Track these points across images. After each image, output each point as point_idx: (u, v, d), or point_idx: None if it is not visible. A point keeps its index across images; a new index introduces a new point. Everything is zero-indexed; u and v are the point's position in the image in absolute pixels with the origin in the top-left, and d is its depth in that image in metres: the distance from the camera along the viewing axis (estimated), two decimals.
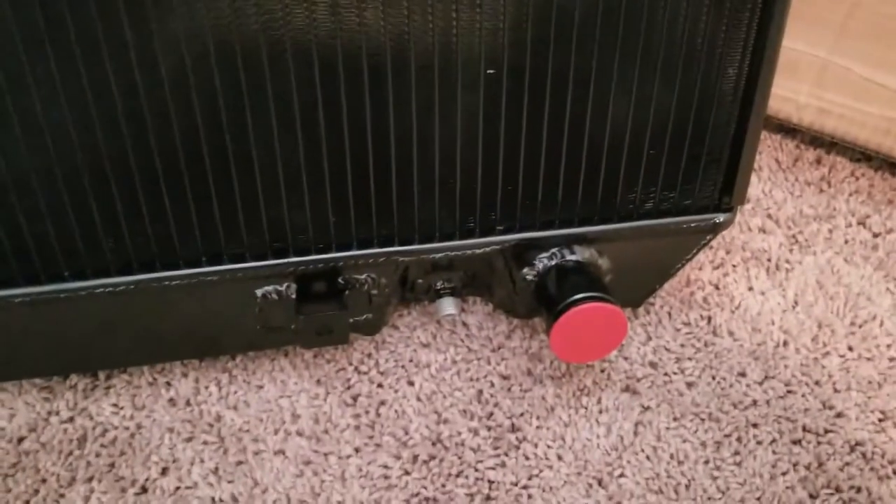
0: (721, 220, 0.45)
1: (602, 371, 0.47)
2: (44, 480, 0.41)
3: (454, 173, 0.40)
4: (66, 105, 0.35)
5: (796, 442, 0.44)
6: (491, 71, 0.38)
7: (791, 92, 0.56)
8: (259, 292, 0.42)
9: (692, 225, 0.45)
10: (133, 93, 0.35)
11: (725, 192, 0.44)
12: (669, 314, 0.50)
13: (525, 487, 0.42)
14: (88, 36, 0.33)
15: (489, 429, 0.44)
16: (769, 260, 0.53)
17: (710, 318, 0.49)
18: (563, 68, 0.38)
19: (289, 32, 0.35)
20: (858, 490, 0.42)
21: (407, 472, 0.42)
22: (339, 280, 0.43)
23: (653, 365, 0.47)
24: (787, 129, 0.60)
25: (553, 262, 0.43)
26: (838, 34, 0.53)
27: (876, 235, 0.54)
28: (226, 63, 0.35)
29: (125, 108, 0.35)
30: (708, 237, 0.46)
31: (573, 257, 0.44)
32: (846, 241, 0.54)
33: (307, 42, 0.35)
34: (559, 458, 0.43)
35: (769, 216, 0.55)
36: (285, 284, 0.42)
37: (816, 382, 0.46)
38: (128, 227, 0.39)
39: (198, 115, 0.36)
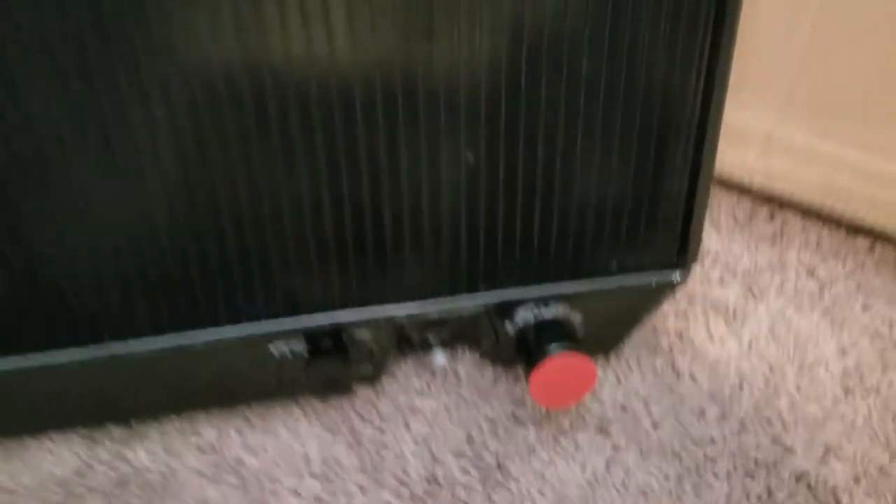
0: (678, 276, 0.50)
1: (578, 414, 0.53)
2: None
3: (441, 244, 0.46)
4: (100, 184, 0.40)
5: (749, 474, 0.49)
6: (470, 155, 0.45)
7: (741, 158, 0.62)
8: (273, 349, 0.48)
9: (653, 281, 0.50)
10: (161, 170, 0.40)
11: (681, 252, 0.50)
12: (638, 361, 0.56)
13: None
14: (119, 119, 0.39)
15: (478, 468, 0.50)
16: (727, 309, 0.59)
17: (673, 364, 0.55)
18: (532, 152, 0.45)
19: (290, 101, 0.40)
20: None
21: None
22: (344, 337, 0.49)
23: (623, 408, 0.53)
24: (743, 189, 0.67)
25: (530, 317, 0.49)
26: (783, 105, 0.60)
27: (823, 286, 0.60)
28: (238, 140, 0.41)
29: (153, 185, 0.41)
30: (668, 291, 0.52)
31: (548, 312, 0.49)
32: (796, 292, 0.60)
33: (308, 113, 0.41)
34: (541, 493, 0.49)
35: (727, 269, 0.61)
36: (296, 342, 0.48)
37: (768, 420, 0.52)
38: (161, 294, 0.44)
39: (219, 190, 0.42)
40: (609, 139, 0.45)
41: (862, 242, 0.63)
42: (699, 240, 0.50)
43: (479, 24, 0.40)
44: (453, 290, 0.48)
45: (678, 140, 0.46)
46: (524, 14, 0.41)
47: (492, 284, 0.48)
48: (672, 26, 0.42)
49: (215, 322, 0.46)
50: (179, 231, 0.43)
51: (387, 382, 0.54)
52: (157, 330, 0.46)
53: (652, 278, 0.50)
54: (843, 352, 0.56)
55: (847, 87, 0.57)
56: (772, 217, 0.65)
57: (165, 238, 0.43)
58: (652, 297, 0.52)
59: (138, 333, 0.45)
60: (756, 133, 0.61)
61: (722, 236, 0.64)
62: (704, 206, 0.49)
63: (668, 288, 0.51)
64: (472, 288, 0.48)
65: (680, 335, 0.57)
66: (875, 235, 0.63)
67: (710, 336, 0.57)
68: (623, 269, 0.50)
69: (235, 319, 0.46)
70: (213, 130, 0.40)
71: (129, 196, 0.41)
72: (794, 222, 0.64)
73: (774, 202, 0.66)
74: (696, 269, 0.60)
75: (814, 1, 0.56)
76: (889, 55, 0.55)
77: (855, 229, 0.63)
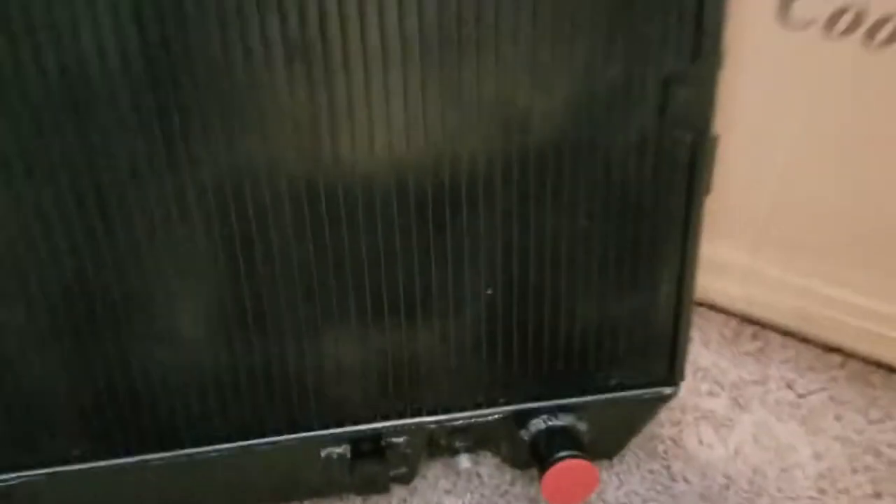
0: (669, 391, 0.58)
1: None
2: None
3: (465, 364, 0.54)
4: (189, 310, 0.49)
5: None
6: (489, 290, 0.54)
7: (724, 288, 0.71)
8: (322, 453, 0.55)
9: (648, 395, 0.58)
10: (237, 297, 0.49)
11: (671, 370, 0.58)
12: (637, 464, 0.63)
13: None
14: (208, 255, 0.49)
15: None
16: (716, 418, 0.66)
17: (668, 467, 0.63)
18: (540, 292, 0.53)
19: (342, 212, 0.48)
20: None
21: None
22: (383, 443, 0.56)
23: None
24: (729, 312, 0.75)
25: (543, 426, 0.56)
26: (757, 243, 0.69)
27: (801, 396, 0.68)
28: (300, 258, 0.49)
29: (233, 309, 0.49)
30: (662, 404, 0.60)
31: (558, 422, 0.56)
32: (776, 402, 0.68)
33: (356, 227, 0.48)
34: None
35: (716, 382, 0.69)
36: (342, 446, 0.55)
37: None
38: (234, 407, 0.53)
39: (284, 314, 0.50)
40: (605, 281, 0.54)
41: (834, 359, 0.71)
42: (684, 361, 0.58)
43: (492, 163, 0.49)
44: (476, 403, 0.56)
45: (662, 280, 0.54)
46: (529, 167, 0.49)
47: (509, 398, 0.56)
48: (653, 189, 0.52)
49: (276, 431, 0.54)
50: (250, 353, 0.52)
51: (418, 482, 0.60)
52: (228, 438, 0.54)
53: (647, 393, 0.58)
54: (818, 457, 0.63)
55: (812, 228, 0.66)
56: (755, 336, 0.74)
57: (239, 358, 0.52)
58: (648, 409, 0.60)
59: (212, 440, 0.54)
60: (735, 267, 0.71)
61: (711, 353, 0.72)
62: (688, 335, 0.57)
63: (661, 401, 0.59)
64: (491, 402, 0.56)
65: (674, 441, 0.65)
66: (846, 353, 0.71)
67: (701, 442, 0.65)
68: (622, 386, 0.57)
69: (292, 429, 0.54)
70: (279, 249, 0.48)
71: (212, 323, 0.50)
72: (775, 340, 0.73)
73: (756, 323, 0.74)
74: (688, 382, 0.68)
75: (781, 155, 0.66)
76: (848, 199, 0.65)
77: (828, 348, 0.71)
